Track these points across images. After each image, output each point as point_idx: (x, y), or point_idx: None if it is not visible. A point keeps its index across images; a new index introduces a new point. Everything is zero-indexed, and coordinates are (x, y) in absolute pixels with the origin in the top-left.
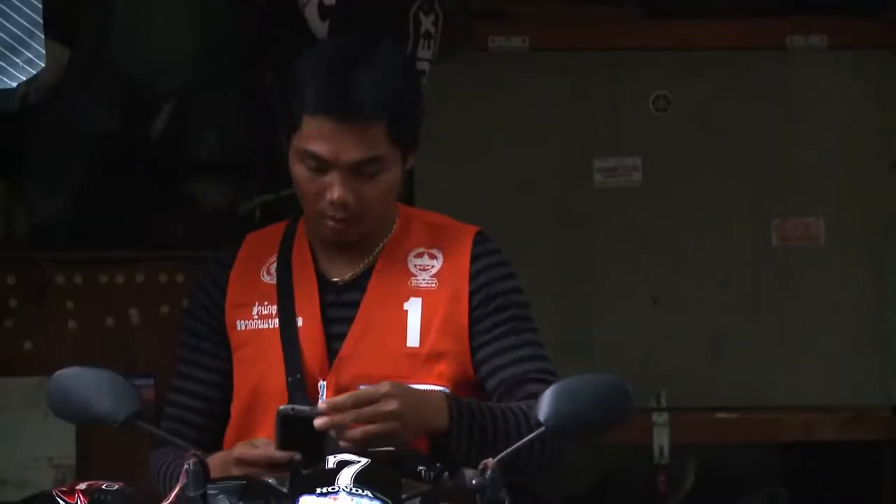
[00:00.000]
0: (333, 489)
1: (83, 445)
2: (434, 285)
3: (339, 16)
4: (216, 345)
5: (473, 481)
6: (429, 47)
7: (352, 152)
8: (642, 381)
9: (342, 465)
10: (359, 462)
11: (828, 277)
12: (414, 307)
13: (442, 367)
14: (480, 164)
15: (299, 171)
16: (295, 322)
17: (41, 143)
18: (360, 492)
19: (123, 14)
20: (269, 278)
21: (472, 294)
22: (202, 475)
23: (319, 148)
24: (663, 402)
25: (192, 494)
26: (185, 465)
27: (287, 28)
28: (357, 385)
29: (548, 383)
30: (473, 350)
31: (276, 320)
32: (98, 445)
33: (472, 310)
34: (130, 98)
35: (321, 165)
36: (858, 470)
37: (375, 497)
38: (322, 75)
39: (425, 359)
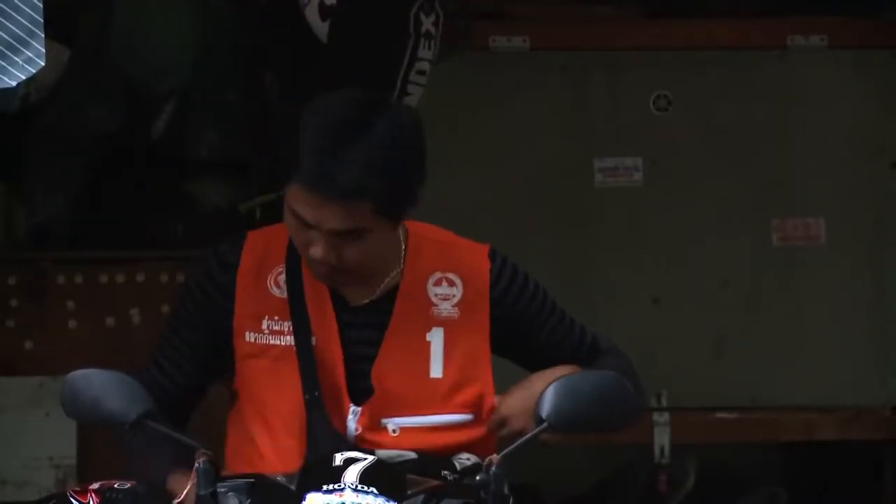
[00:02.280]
0: (339, 486)
1: (84, 445)
2: (456, 315)
3: (339, 16)
4: (203, 343)
5: (477, 477)
6: (429, 47)
7: (333, 223)
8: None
9: (348, 462)
10: (365, 460)
11: (828, 277)
12: (437, 338)
13: (463, 396)
14: (480, 164)
15: (288, 219)
16: (310, 340)
17: (41, 143)
18: (365, 489)
19: (123, 14)
20: (278, 291)
21: (502, 317)
22: (212, 473)
23: (302, 211)
24: (664, 402)
25: (202, 492)
26: (196, 464)
27: (287, 28)
28: (388, 413)
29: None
30: (536, 346)
31: (290, 337)
32: (99, 445)
33: (517, 321)
34: (131, 98)
35: (305, 223)
36: (858, 470)
37: (380, 494)
38: (314, 149)
39: (447, 389)
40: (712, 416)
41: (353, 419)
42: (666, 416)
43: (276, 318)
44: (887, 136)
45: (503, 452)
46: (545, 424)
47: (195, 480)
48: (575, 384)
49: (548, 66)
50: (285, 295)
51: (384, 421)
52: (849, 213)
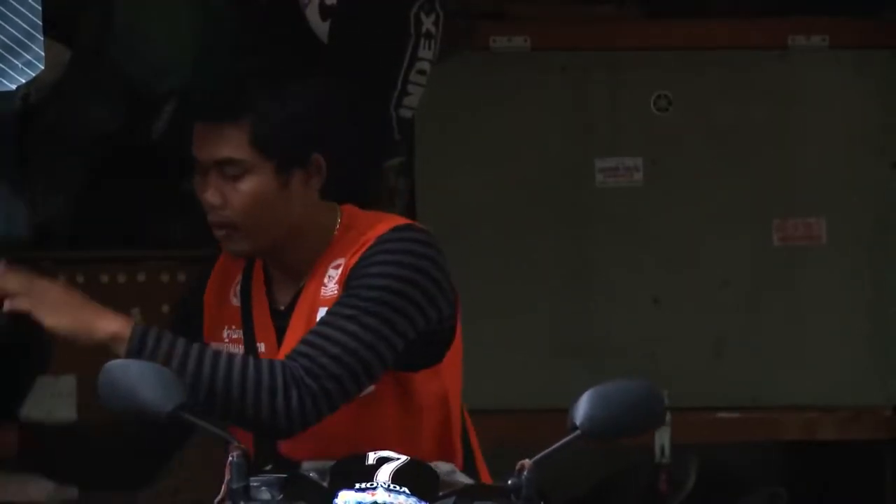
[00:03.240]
0: (372, 485)
1: None
2: (335, 292)
3: (339, 16)
4: None
5: (509, 481)
6: (430, 47)
7: (211, 150)
8: None
9: (381, 461)
10: (398, 459)
11: (829, 277)
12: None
13: None
14: (481, 164)
15: (194, 180)
16: (256, 348)
17: (41, 143)
18: (397, 488)
19: (123, 14)
20: (235, 300)
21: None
22: (245, 468)
23: (193, 148)
24: (665, 402)
25: (234, 486)
26: (229, 458)
27: (287, 28)
28: None
29: (301, 363)
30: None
31: (242, 346)
32: None
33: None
34: (131, 98)
35: (199, 168)
36: (858, 470)
37: (412, 494)
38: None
39: None
40: (713, 416)
41: None
42: (666, 416)
43: (233, 326)
44: (887, 136)
45: (535, 458)
46: (578, 432)
47: (229, 475)
48: (607, 392)
49: (548, 66)
50: (240, 304)
51: None
52: (849, 213)
